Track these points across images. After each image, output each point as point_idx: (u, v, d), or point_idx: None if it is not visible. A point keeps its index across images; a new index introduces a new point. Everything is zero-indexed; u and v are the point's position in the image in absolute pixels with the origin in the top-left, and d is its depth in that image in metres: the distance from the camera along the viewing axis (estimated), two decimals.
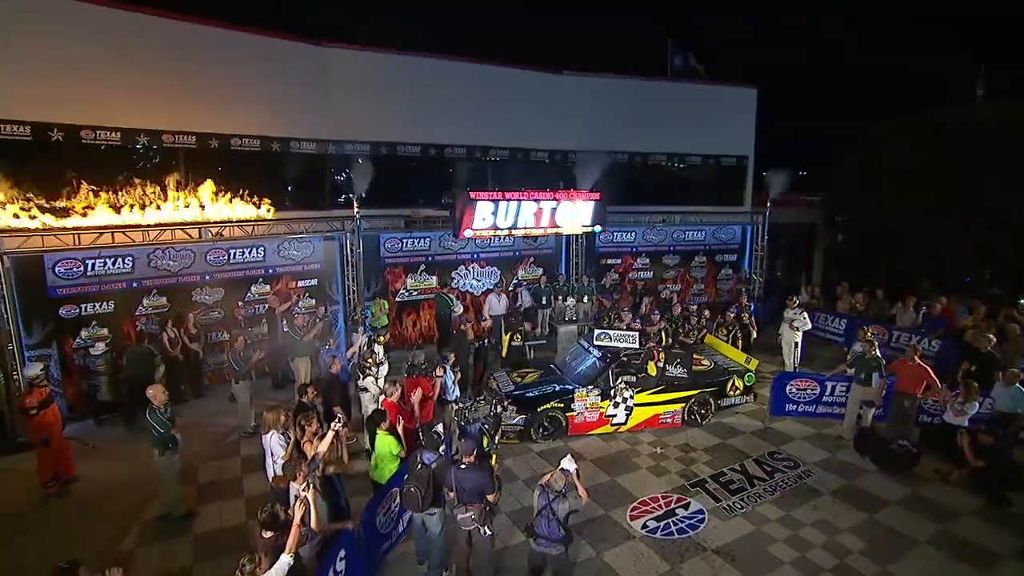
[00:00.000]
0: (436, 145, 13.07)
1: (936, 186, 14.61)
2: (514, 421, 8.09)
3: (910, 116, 16.41)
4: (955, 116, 15.59)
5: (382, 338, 8.84)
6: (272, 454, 5.74)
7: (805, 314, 10.87)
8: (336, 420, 5.23)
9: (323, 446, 5.14)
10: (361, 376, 8.17)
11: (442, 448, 5.34)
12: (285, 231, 10.81)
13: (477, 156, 13.43)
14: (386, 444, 5.74)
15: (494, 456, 6.00)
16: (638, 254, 14.89)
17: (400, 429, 5.93)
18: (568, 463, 5.05)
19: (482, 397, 6.39)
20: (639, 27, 20.29)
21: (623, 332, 9.05)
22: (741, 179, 16.25)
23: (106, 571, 3.75)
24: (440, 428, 6.52)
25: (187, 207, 9.90)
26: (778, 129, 16.46)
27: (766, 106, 16.18)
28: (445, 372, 7.55)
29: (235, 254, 10.59)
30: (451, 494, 5.14)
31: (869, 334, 9.00)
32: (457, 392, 7.85)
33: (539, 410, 8.14)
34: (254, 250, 10.84)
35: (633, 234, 14.70)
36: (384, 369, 8.70)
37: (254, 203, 10.79)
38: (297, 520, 3.91)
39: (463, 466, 5.07)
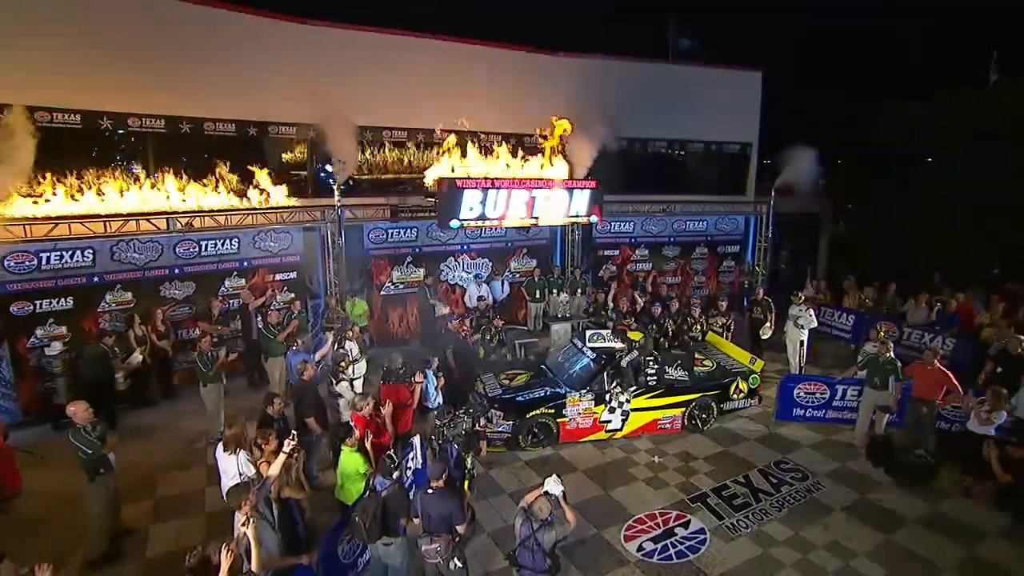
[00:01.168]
0: (425, 130, 12.36)
1: (950, 173, 13.95)
2: (501, 428, 7.51)
3: (922, 101, 15.69)
4: (969, 100, 14.91)
5: (351, 332, 8.18)
6: (240, 473, 5.15)
7: (811, 312, 10.17)
8: (290, 438, 4.62)
9: (274, 468, 4.54)
10: (334, 381, 7.58)
11: (397, 473, 4.72)
12: (262, 221, 10.19)
13: (467, 142, 12.72)
14: (352, 462, 5.15)
15: (467, 481, 5.39)
16: (637, 245, 14.25)
17: (369, 444, 5.34)
18: (554, 486, 4.47)
19: (461, 409, 5.78)
20: (637, 5, 19.40)
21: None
22: (744, 167, 15.57)
23: (35, 567, 3.47)
24: (416, 441, 5.96)
25: (161, 192, 9.29)
26: (783, 115, 15.72)
27: (771, 90, 15.48)
28: (426, 377, 6.95)
29: (207, 246, 9.93)
30: (416, 520, 4.56)
31: (883, 334, 8.42)
32: (440, 400, 7.22)
33: (528, 416, 7.55)
34: (228, 241, 10.17)
35: (632, 224, 14.05)
36: (361, 367, 8.10)
37: (239, 189, 10.21)
38: (224, 571, 3.31)
39: (430, 491, 4.48)
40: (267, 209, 10.25)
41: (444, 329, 9.11)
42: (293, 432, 4.75)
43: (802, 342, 10.15)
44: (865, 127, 16.31)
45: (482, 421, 5.90)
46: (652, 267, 14.35)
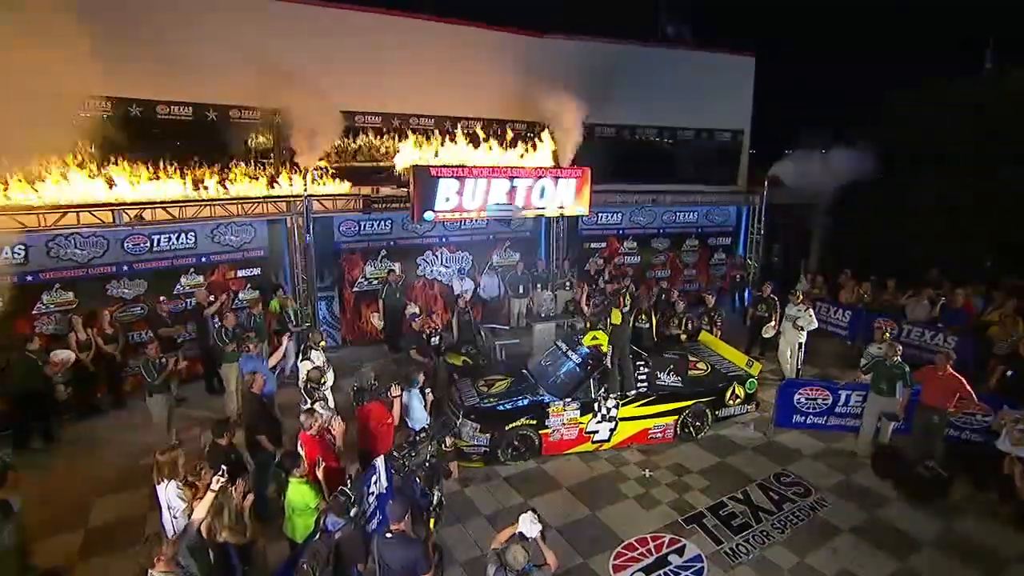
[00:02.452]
0: (400, 115, 11.55)
1: (949, 161, 13.43)
2: (477, 441, 6.85)
3: (916, 89, 15.16)
4: (968, 88, 14.40)
5: (321, 341, 7.43)
6: (170, 507, 4.44)
7: (811, 311, 9.46)
8: (219, 474, 3.91)
9: (198, 511, 3.84)
10: (307, 399, 6.83)
11: (354, 510, 4.06)
12: (222, 213, 9.38)
13: (447, 128, 11.95)
14: (299, 494, 4.46)
15: (431, 521, 4.72)
16: (625, 237, 13.60)
17: (321, 472, 4.64)
18: (529, 526, 3.84)
19: (424, 432, 5.08)
20: None
21: None
22: (736, 156, 14.96)
23: None
24: (380, 463, 5.26)
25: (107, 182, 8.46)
26: (777, 102, 15.11)
27: (764, 76, 14.84)
28: (409, 393, 6.22)
29: (159, 240, 9.10)
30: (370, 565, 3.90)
31: (888, 334, 7.88)
32: (427, 420, 6.39)
33: (508, 428, 6.90)
34: (183, 236, 9.35)
35: (620, 215, 13.39)
36: (329, 378, 7.35)
37: (197, 178, 9.39)
38: None
39: (389, 536, 3.81)
40: (227, 200, 9.44)
41: (407, 329, 8.33)
42: (223, 468, 4.03)
43: (800, 344, 9.46)
44: (862, 116, 15.75)
45: (448, 441, 5.20)
46: (640, 260, 13.73)
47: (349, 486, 4.46)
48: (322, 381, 6.80)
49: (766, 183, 13.49)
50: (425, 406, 6.37)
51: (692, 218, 14.09)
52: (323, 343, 7.54)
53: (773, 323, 9.91)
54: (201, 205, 9.07)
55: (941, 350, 9.66)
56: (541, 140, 11.70)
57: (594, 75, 12.52)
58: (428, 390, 6.58)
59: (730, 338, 9.58)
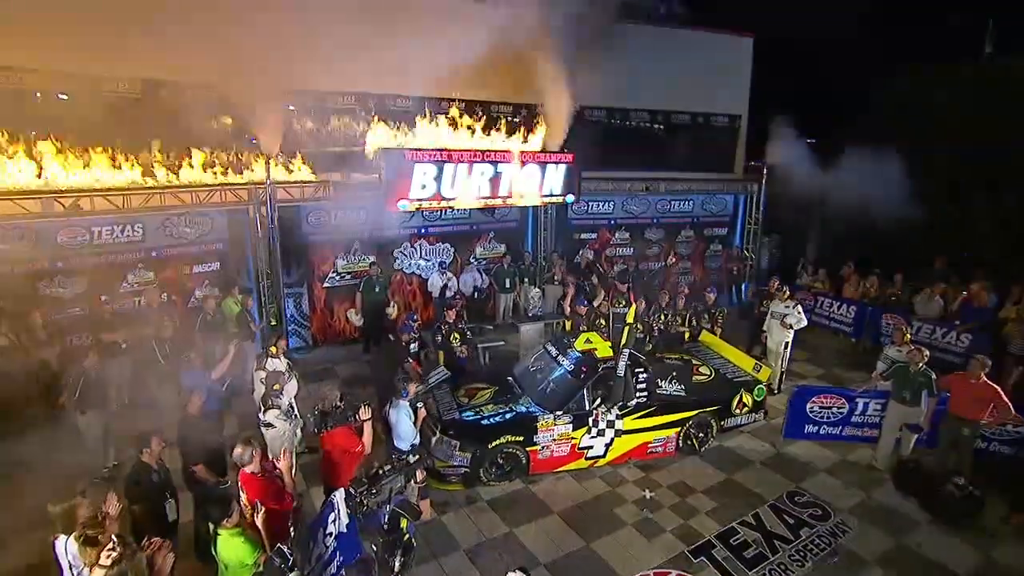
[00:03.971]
0: (376, 95, 10.59)
1: (950, 150, 12.79)
2: (457, 461, 6.06)
3: (922, 72, 14.48)
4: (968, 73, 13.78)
5: (274, 347, 6.54)
6: (72, 567, 3.59)
7: (800, 308, 8.64)
8: (110, 546, 3.06)
9: None
10: (262, 408, 5.97)
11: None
12: (174, 202, 8.41)
13: (425, 111, 11.00)
14: (231, 549, 3.62)
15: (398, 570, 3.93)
16: (617, 228, 12.81)
17: (260, 520, 3.81)
18: None
19: (389, 465, 4.24)
20: None
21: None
22: (733, 142, 14.21)
23: None
24: (338, 497, 4.43)
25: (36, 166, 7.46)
26: (777, 86, 14.33)
27: (763, 59, 14.08)
28: (397, 407, 5.38)
29: (100, 232, 8.13)
30: None
31: (909, 335, 7.20)
32: (416, 437, 5.52)
33: (491, 446, 6.10)
34: (129, 227, 8.38)
35: (611, 204, 12.58)
36: (291, 388, 6.46)
37: (145, 164, 8.41)
38: None
39: None
40: (179, 188, 8.48)
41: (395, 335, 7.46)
42: (114, 537, 3.17)
43: (787, 344, 8.67)
44: (862, 101, 15.07)
45: (420, 476, 4.38)
46: (633, 251, 12.96)
47: (291, 539, 3.64)
48: (276, 388, 5.95)
49: (764, 171, 12.80)
50: (415, 421, 5.52)
51: (687, 207, 13.33)
52: (282, 348, 6.65)
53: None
54: (149, 193, 8.11)
55: (953, 349, 9.12)
56: (528, 123, 10.82)
57: (582, 54, 11.67)
58: (420, 404, 5.72)
59: (727, 336, 8.86)
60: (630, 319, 6.42)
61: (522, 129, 10.38)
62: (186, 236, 8.93)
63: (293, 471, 4.56)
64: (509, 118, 11.34)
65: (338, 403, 5.15)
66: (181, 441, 4.94)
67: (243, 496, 4.07)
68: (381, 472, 4.19)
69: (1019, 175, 12.04)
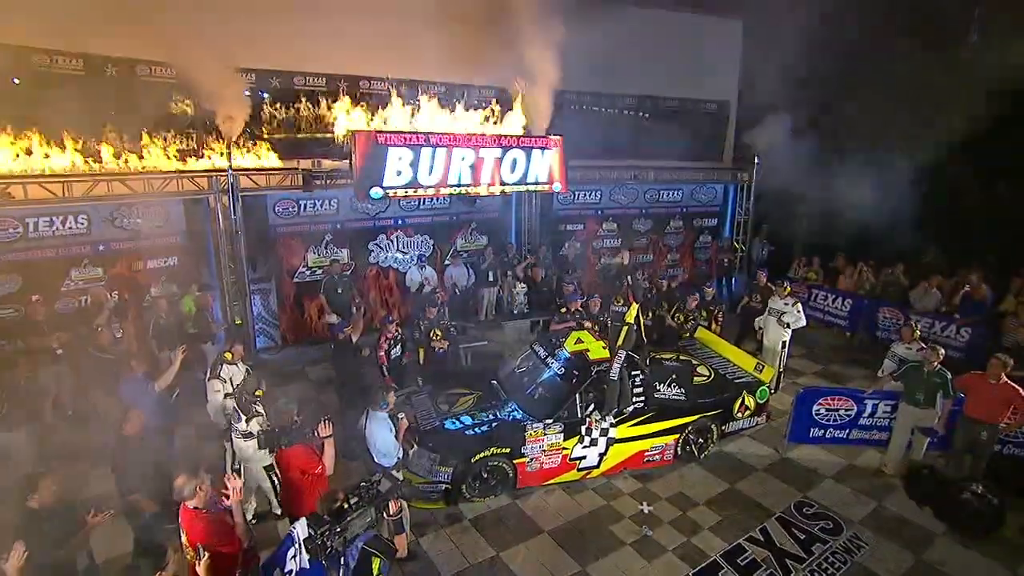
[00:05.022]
0: (349, 77, 9.85)
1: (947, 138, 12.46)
2: (437, 476, 5.48)
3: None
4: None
5: (229, 354, 5.84)
6: None
7: (799, 307, 8.13)
8: None
9: None
10: (242, 418, 5.30)
11: None
12: (123, 191, 7.61)
13: (401, 92, 10.28)
14: None
15: None
16: (604, 218, 12.27)
17: (203, 568, 3.19)
18: None
19: (354, 497, 3.63)
20: None
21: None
22: (722, 129, 13.74)
23: None
24: (298, 531, 3.82)
25: None
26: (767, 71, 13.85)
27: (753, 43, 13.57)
28: (374, 419, 4.75)
29: (37, 224, 7.32)
30: None
31: (918, 332, 6.79)
32: (399, 452, 4.87)
33: (474, 460, 5.53)
34: (71, 218, 7.59)
35: (598, 194, 12.03)
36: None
37: (91, 148, 7.61)
38: None
39: None
40: (129, 175, 7.67)
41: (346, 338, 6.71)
42: None
43: (785, 343, 8.18)
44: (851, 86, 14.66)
45: (393, 508, 3.78)
46: (621, 243, 12.44)
47: None
48: (257, 393, 5.31)
49: (756, 158, 12.36)
50: (397, 434, 4.90)
51: (677, 197, 12.84)
52: (240, 353, 5.93)
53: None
54: (94, 180, 7.30)
55: (952, 343, 8.79)
56: (510, 108, 10.18)
57: (568, 37, 11.04)
58: (402, 415, 5.09)
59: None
60: (629, 319, 5.87)
61: (504, 113, 9.76)
62: (138, 228, 8.15)
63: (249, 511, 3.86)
64: (490, 103, 10.69)
65: (296, 418, 4.52)
66: (116, 466, 4.26)
67: (184, 537, 3.44)
68: (347, 506, 3.58)
69: (1014, 166, 11.78)
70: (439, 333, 7.09)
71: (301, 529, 3.71)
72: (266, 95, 9.20)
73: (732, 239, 13.01)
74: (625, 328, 5.85)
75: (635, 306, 5.97)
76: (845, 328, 10.44)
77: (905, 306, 9.69)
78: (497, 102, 10.34)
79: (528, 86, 9.80)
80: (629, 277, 8.06)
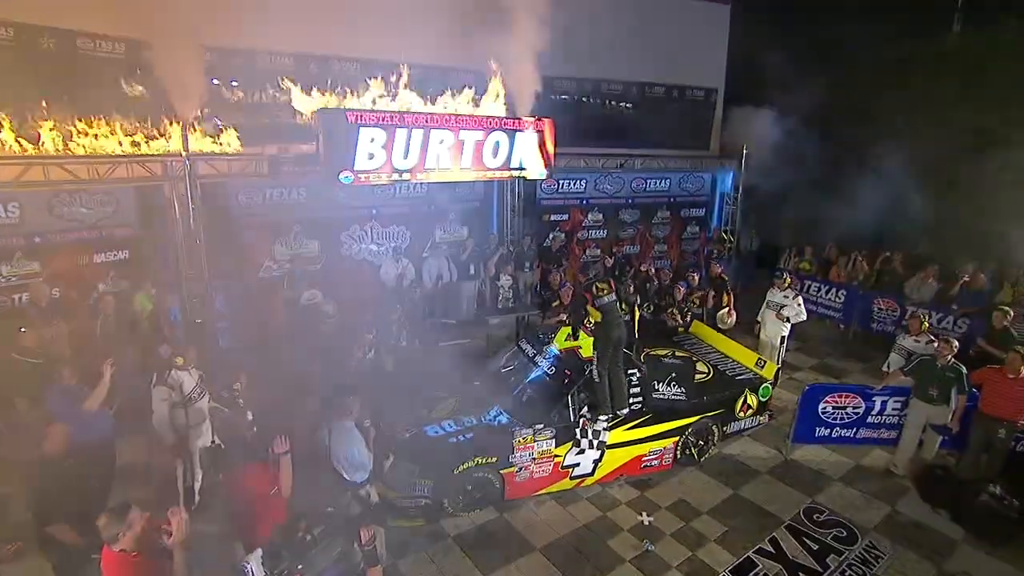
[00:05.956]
0: (317, 57, 9.15)
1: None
2: (416, 490, 4.92)
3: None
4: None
5: (181, 358, 5.15)
6: None
7: (800, 300, 7.74)
8: None
9: None
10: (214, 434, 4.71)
11: None
12: (62, 176, 6.83)
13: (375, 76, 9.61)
14: None
15: None
16: (589, 208, 11.78)
17: None
18: None
19: (320, 526, 3.07)
20: None
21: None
22: (709, 117, 13.33)
23: None
24: (252, 565, 3.24)
25: None
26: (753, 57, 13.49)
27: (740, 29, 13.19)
28: (341, 429, 4.14)
29: None
30: None
31: (927, 324, 6.43)
32: (368, 465, 4.21)
33: (457, 471, 4.99)
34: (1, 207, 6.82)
35: (583, 183, 11.53)
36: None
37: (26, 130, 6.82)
38: None
39: None
40: (69, 159, 6.90)
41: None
42: None
43: (782, 339, 7.79)
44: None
45: (365, 535, 3.23)
46: (607, 234, 11.97)
47: None
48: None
49: (744, 147, 12.00)
50: (368, 444, 4.30)
51: (664, 186, 12.41)
52: (192, 359, 5.26)
53: (728, 308, 8.03)
54: (26, 164, 6.53)
55: (950, 335, 8.49)
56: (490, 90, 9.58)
57: (555, 19, 10.47)
58: (368, 423, 4.47)
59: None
60: (596, 318, 5.40)
61: (483, 96, 9.18)
62: (82, 218, 7.40)
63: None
64: (470, 86, 10.07)
65: (246, 431, 3.91)
66: (31, 491, 3.61)
67: None
68: (309, 537, 3.01)
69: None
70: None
71: (255, 565, 3.13)
72: (234, 82, 8.48)
73: (720, 229, 12.63)
74: (595, 326, 5.41)
75: (593, 309, 5.47)
76: (839, 320, 10.13)
77: (900, 297, 9.39)
78: (475, 93, 9.75)
79: (509, 69, 9.24)
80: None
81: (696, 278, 8.69)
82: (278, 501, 3.73)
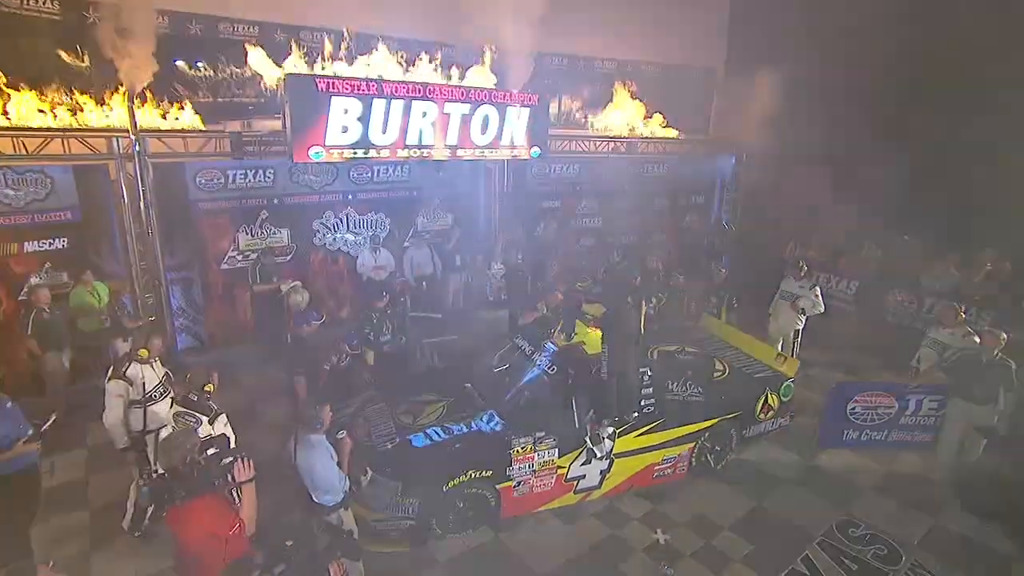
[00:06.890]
0: (285, 27, 8.31)
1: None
2: (400, 510, 4.19)
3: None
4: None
5: (145, 351, 4.38)
6: None
7: (818, 290, 7.19)
8: None
9: None
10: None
11: None
12: None
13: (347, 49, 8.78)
14: None
15: None
16: (583, 195, 11.08)
17: None
18: None
19: (284, 563, 2.35)
20: None
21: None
22: (708, 98, 12.72)
23: None
24: None
25: None
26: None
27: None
28: (309, 444, 3.41)
29: None
30: None
31: (962, 315, 5.84)
32: (345, 484, 3.56)
33: (447, 488, 4.27)
34: None
35: (577, 167, 10.83)
36: (161, 411, 4.34)
37: None
38: None
39: None
40: None
41: (299, 331, 5.40)
42: None
43: (796, 332, 7.21)
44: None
45: (335, 570, 2.50)
46: (601, 222, 11.30)
47: None
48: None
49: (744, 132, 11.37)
50: (341, 462, 3.56)
51: (660, 171, 11.75)
52: (157, 350, 4.49)
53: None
54: None
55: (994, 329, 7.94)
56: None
57: None
58: (343, 433, 3.71)
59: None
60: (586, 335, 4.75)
61: (469, 71, 8.43)
62: (9, 201, 6.50)
63: None
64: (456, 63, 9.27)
65: (200, 456, 3.13)
66: None
67: None
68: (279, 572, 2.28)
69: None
70: (391, 326, 5.78)
71: None
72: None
73: (719, 217, 12.03)
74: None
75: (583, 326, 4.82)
76: (851, 312, 9.55)
77: (917, 287, 8.85)
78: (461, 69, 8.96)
79: (500, 44, 8.47)
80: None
81: (722, 271, 7.98)
82: (236, 541, 2.95)
